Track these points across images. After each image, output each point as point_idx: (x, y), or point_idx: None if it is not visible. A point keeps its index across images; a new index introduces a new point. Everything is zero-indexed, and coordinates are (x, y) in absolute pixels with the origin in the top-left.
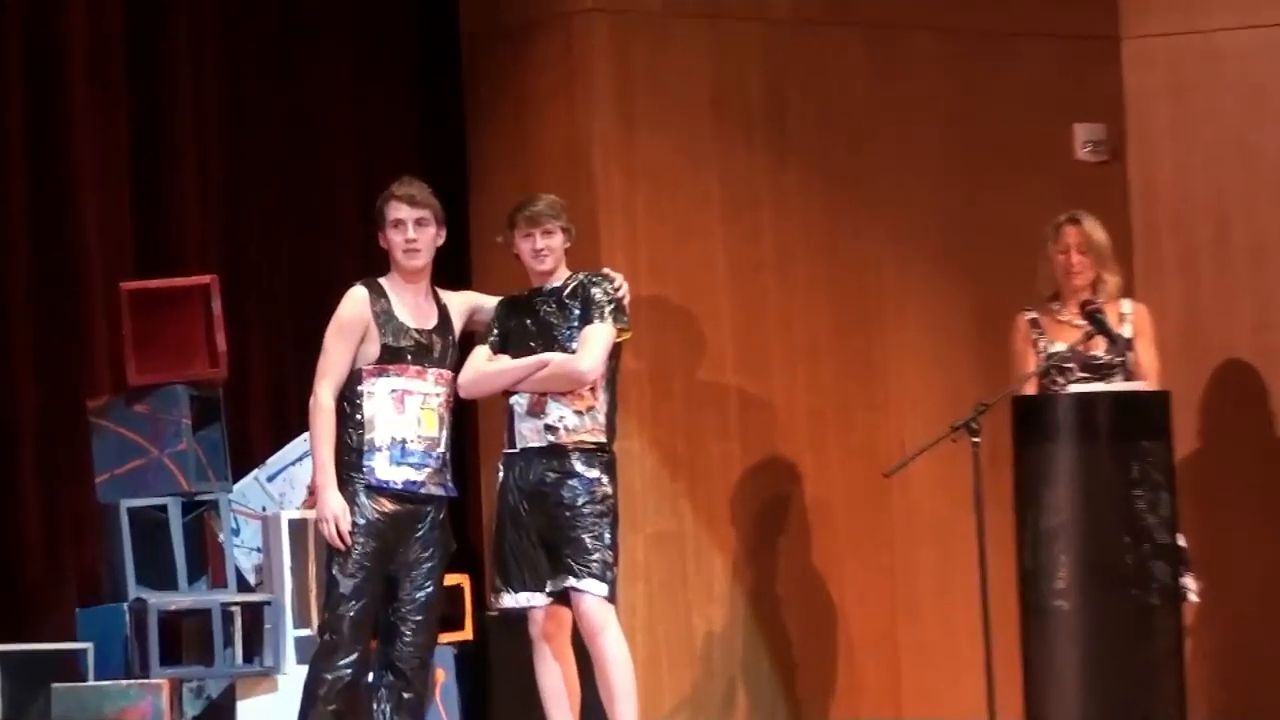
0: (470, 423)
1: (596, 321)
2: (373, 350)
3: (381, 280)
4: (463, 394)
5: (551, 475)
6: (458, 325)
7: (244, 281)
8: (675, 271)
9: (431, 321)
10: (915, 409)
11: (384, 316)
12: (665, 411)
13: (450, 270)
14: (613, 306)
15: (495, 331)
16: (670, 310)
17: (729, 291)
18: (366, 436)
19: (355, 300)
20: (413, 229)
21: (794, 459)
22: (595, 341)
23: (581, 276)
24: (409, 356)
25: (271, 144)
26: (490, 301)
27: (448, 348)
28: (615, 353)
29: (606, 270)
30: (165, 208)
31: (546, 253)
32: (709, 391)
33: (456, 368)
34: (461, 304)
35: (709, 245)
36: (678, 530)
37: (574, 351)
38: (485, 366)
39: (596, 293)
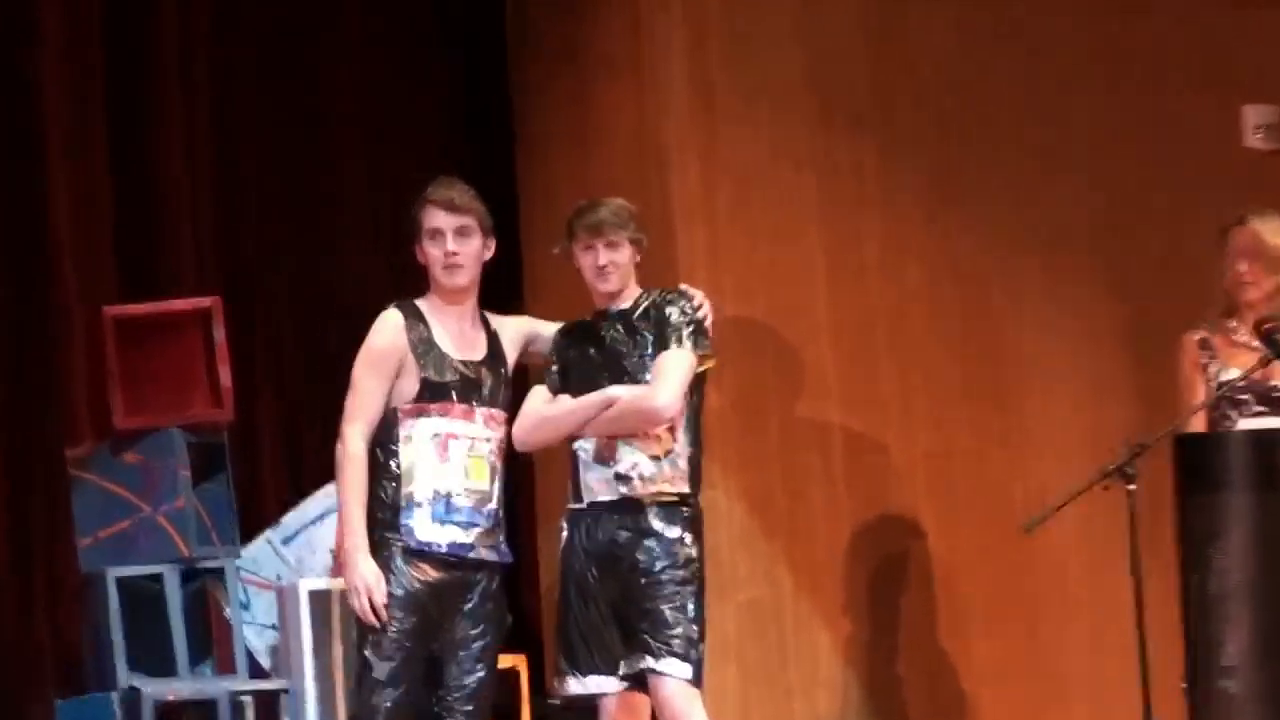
0: (527, 472)
1: (673, 348)
2: (410, 386)
3: (419, 302)
4: (519, 446)
5: (625, 535)
6: (511, 356)
7: (248, 305)
8: (766, 286)
9: (479, 352)
10: (1057, 449)
11: (423, 346)
12: (757, 455)
13: (498, 290)
14: (692, 329)
15: (555, 366)
16: (760, 332)
17: (830, 308)
18: (404, 490)
19: (388, 327)
20: (453, 240)
21: (912, 510)
22: (672, 372)
23: (654, 295)
24: (453, 393)
25: (274, 139)
26: (549, 329)
27: (499, 383)
28: (697, 385)
29: (684, 287)
30: (153, 217)
31: (611, 269)
32: (809, 430)
33: (511, 407)
34: (515, 332)
35: (806, 253)
36: (774, 599)
37: (647, 384)
38: (543, 410)
39: (672, 313)
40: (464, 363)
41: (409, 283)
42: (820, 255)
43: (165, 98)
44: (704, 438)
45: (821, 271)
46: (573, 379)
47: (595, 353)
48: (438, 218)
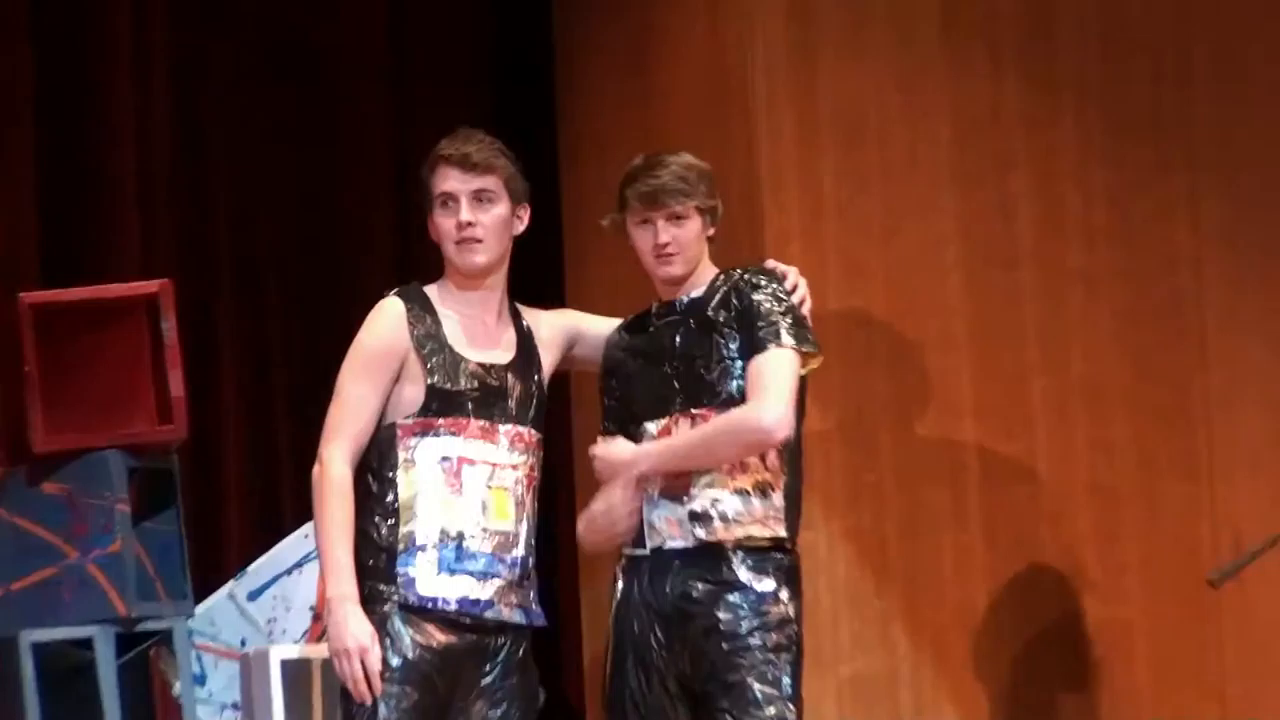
0: (566, 503)
1: (771, 347)
2: (413, 396)
3: (428, 289)
4: (586, 545)
5: (701, 588)
6: (547, 360)
7: (207, 291)
8: (883, 271)
9: (506, 353)
10: (1253, 483)
11: (431, 344)
12: (869, 488)
13: (533, 274)
14: (791, 320)
15: (610, 381)
16: (875, 332)
17: (965, 301)
18: (403, 529)
19: (386, 318)
20: (469, 207)
21: (1070, 558)
22: (776, 378)
23: (734, 277)
24: (470, 406)
25: (249, 82)
26: (602, 327)
27: (531, 394)
28: (797, 394)
29: (771, 263)
30: (87, 182)
31: (674, 250)
32: (935, 456)
33: (545, 425)
34: (554, 329)
35: (936, 229)
36: (888, 671)
37: (739, 400)
38: (612, 497)
39: (762, 301)
40: (484, 366)
41: (427, 275)
42: (954, 231)
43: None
44: (801, 457)
45: (955, 253)
46: (628, 395)
47: (659, 358)
48: (450, 179)
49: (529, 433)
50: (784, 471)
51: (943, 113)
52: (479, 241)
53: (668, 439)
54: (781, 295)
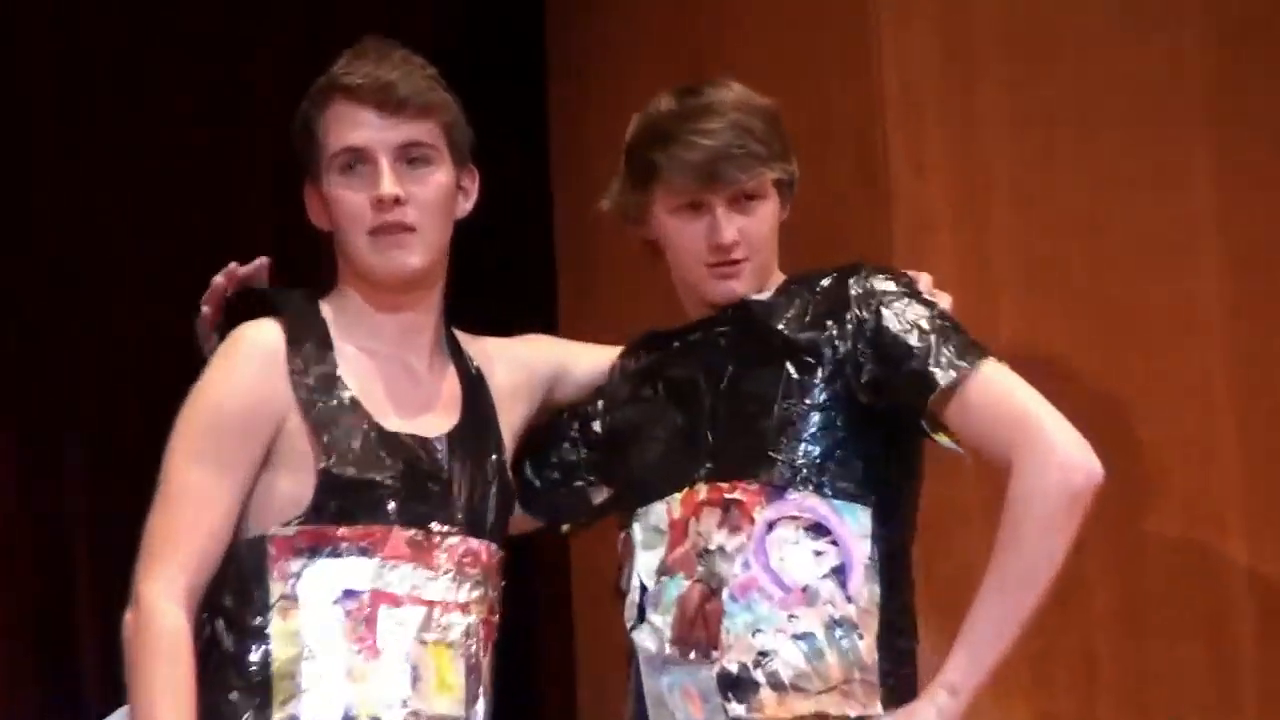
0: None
1: (972, 366)
2: (294, 489)
3: (325, 307)
4: None
5: None
6: (513, 421)
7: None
8: (1089, 285)
9: (445, 415)
10: None
11: (325, 401)
12: (1064, 627)
13: (506, 288)
14: (963, 336)
15: (592, 424)
16: (1078, 382)
17: (1228, 336)
18: (277, 712)
19: (250, 360)
20: (392, 174)
21: None
22: (1018, 398)
23: (823, 282)
24: (390, 505)
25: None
26: (599, 359)
27: (487, 480)
28: (905, 475)
29: (880, 271)
30: None
31: (744, 253)
32: (1183, 576)
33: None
34: (522, 368)
35: (1181, 214)
36: None
37: (804, 479)
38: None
39: (907, 309)
40: (413, 440)
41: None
42: (1213, 230)
43: None
44: (911, 579)
45: (1214, 262)
46: (630, 449)
47: (689, 392)
48: (361, 125)
49: (487, 549)
50: (878, 602)
51: (1195, 16)
52: (410, 230)
53: (969, 623)
54: (931, 301)
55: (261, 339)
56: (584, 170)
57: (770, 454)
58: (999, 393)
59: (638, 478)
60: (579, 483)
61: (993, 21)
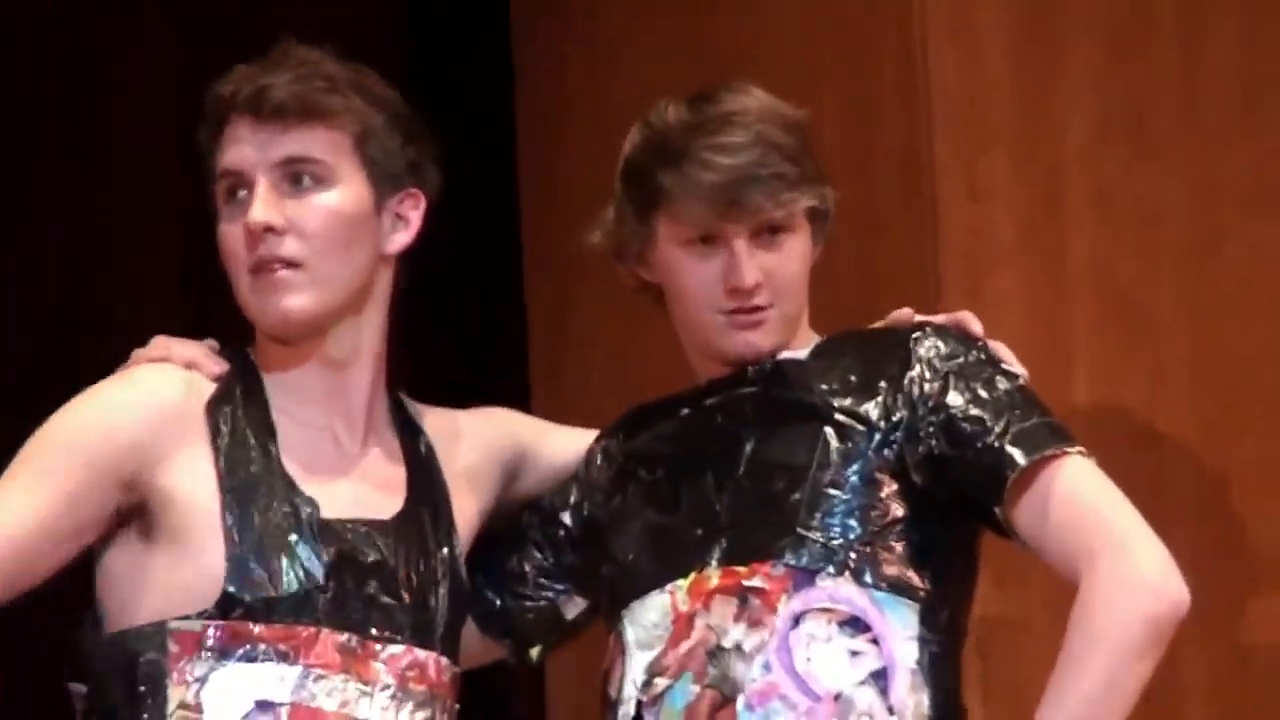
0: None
1: (1052, 454)
2: (196, 577)
3: (258, 357)
4: None
5: None
6: (470, 510)
7: None
8: (1189, 333)
9: (388, 497)
10: None
11: (243, 466)
12: None
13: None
14: (1043, 410)
15: (571, 511)
16: (1171, 457)
17: None
18: None
19: (136, 395)
20: (260, 202)
21: None
22: (1106, 502)
23: (889, 331)
24: (319, 603)
25: None
26: (570, 443)
27: (435, 580)
28: (966, 557)
29: (944, 321)
30: None
31: (767, 298)
32: None
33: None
34: (483, 445)
35: None
36: None
37: (838, 562)
38: None
39: (986, 380)
40: (347, 525)
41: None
42: None
43: None
44: (960, 691)
45: None
46: (631, 533)
47: (700, 461)
48: (234, 140)
49: (436, 662)
50: (925, 714)
51: None
52: (293, 266)
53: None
54: (1011, 372)
55: (156, 387)
56: (557, 195)
57: (799, 531)
58: (1079, 492)
59: (630, 564)
60: (547, 594)
61: (1076, 4)
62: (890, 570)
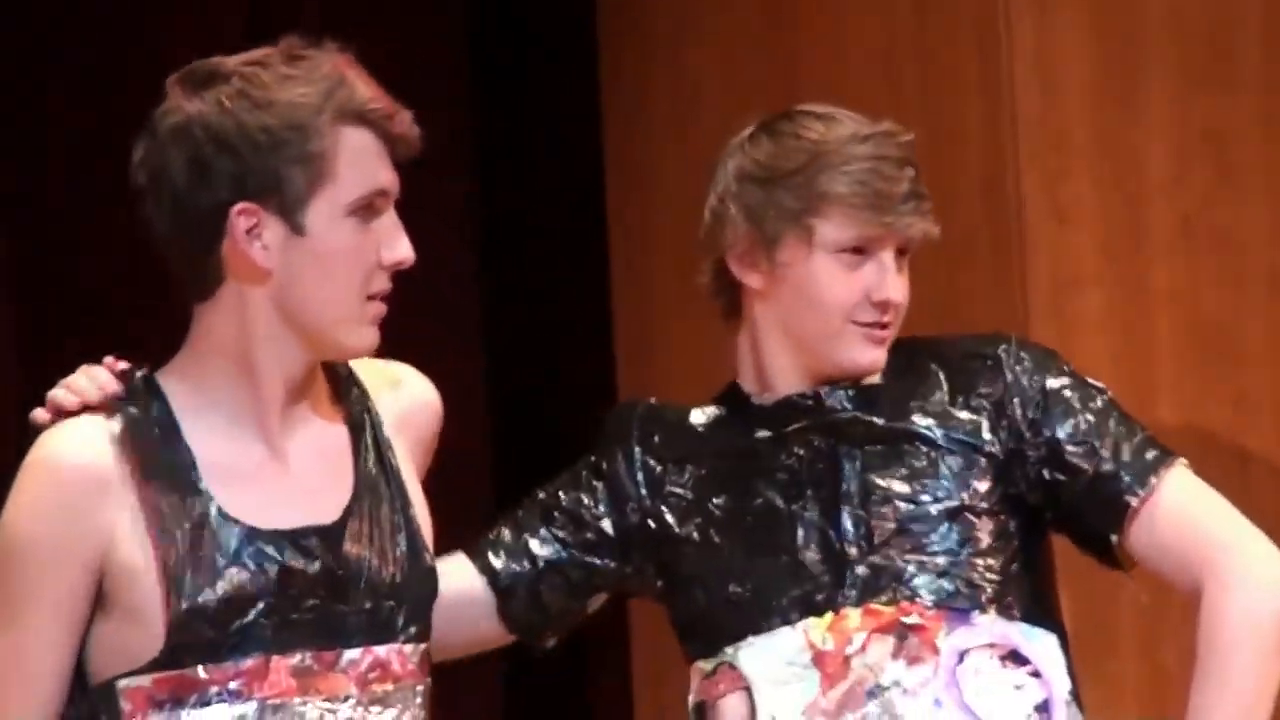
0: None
1: (1163, 473)
2: (137, 624)
3: (168, 386)
4: None
5: None
6: (412, 459)
7: None
8: (1270, 349)
9: (332, 482)
10: None
11: (175, 515)
12: None
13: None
14: (1144, 434)
15: (637, 540)
16: (1260, 476)
17: None
18: None
19: (57, 479)
20: (391, 219)
21: None
22: (1217, 510)
23: (965, 347)
24: (266, 633)
25: None
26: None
27: (395, 559)
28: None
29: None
30: None
31: (894, 312)
32: None
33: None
34: (413, 399)
35: None
36: None
37: (1015, 580)
38: None
39: (1081, 401)
40: (283, 534)
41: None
42: None
43: None
44: None
45: None
46: (733, 556)
47: (797, 489)
48: (384, 163)
49: (399, 654)
50: None
51: None
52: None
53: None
54: (1099, 386)
55: (79, 472)
56: (645, 231)
57: (935, 563)
58: (1189, 506)
59: (742, 597)
60: (578, 594)
61: (1164, 21)
62: (1029, 602)
